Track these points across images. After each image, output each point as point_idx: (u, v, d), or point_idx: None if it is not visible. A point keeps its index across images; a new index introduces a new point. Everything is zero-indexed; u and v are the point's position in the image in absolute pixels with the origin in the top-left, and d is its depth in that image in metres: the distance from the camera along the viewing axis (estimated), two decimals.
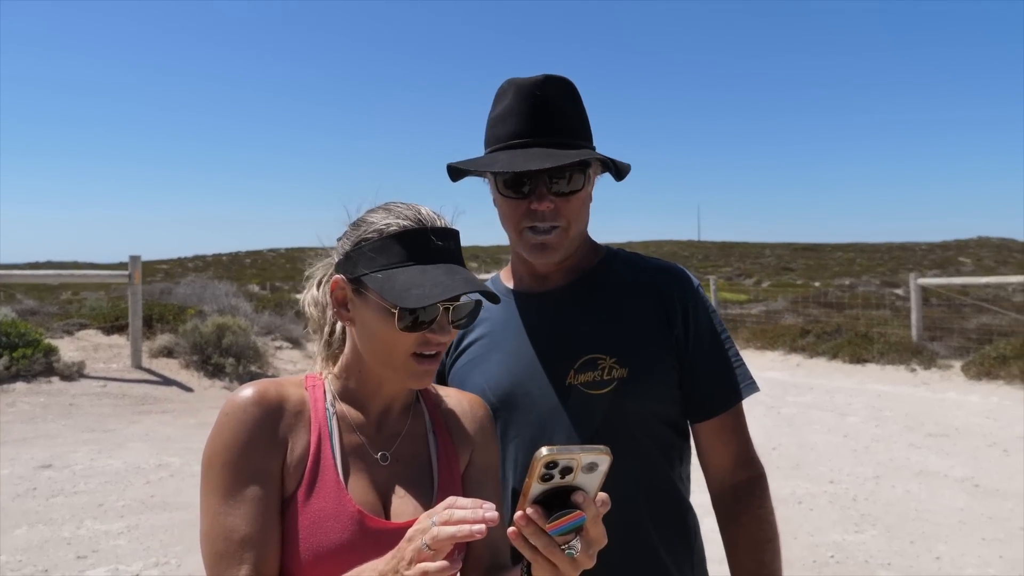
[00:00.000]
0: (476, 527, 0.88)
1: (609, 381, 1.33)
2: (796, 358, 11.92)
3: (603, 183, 1.46)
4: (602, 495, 0.94)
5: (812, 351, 11.88)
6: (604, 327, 1.37)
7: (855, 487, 5.33)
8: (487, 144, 1.39)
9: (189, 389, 8.42)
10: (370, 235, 1.12)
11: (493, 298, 1.15)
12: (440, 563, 0.89)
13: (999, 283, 14.73)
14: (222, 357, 8.93)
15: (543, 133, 1.32)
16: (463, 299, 1.13)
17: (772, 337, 12.95)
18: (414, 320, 1.08)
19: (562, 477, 0.90)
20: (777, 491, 5.16)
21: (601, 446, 0.91)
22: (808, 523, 4.65)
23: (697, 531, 1.45)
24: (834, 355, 11.35)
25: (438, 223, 1.14)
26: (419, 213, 1.13)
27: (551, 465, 0.88)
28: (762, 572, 1.36)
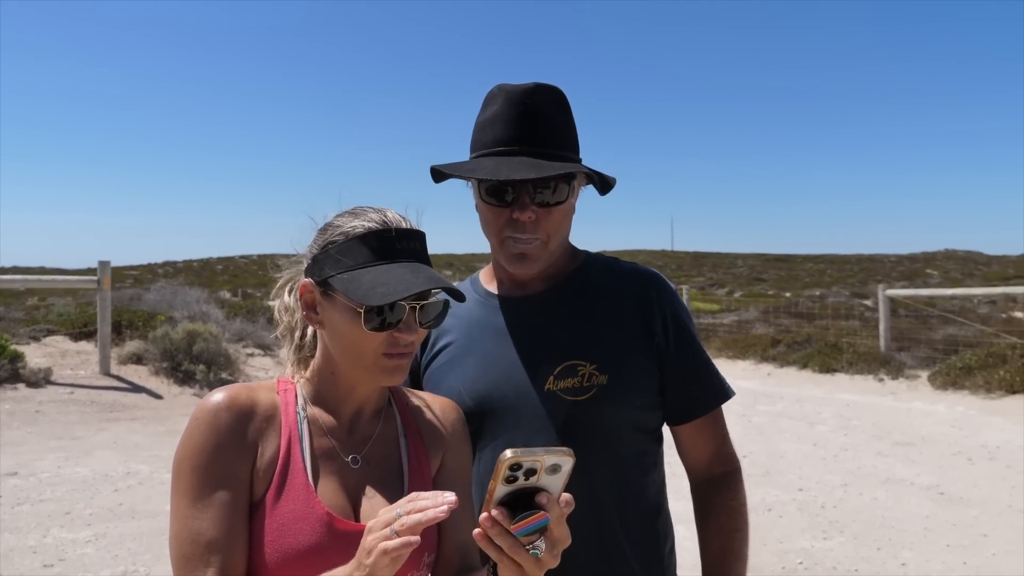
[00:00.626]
0: (440, 508, 0.90)
1: (589, 388, 1.33)
2: (767, 367, 12.09)
3: (582, 193, 1.46)
4: (565, 496, 0.95)
5: (783, 361, 12.05)
6: (584, 333, 1.37)
7: (823, 495, 5.42)
8: (473, 148, 1.37)
9: (158, 396, 8.29)
10: (336, 238, 1.13)
11: (459, 296, 1.16)
12: (399, 540, 0.90)
13: (965, 295, 15.10)
14: (192, 364, 8.81)
15: (530, 142, 1.31)
16: (431, 300, 1.14)
17: (743, 347, 13.11)
18: (382, 321, 1.09)
19: (526, 479, 0.91)
20: (747, 498, 5.25)
21: (564, 448, 0.92)
22: (777, 530, 4.72)
23: (668, 536, 1.47)
24: (804, 365, 11.53)
25: (403, 225, 1.15)
26: (385, 216, 1.15)
27: (515, 467, 0.89)
28: (727, 557, 1.40)
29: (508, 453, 0.88)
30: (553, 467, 0.91)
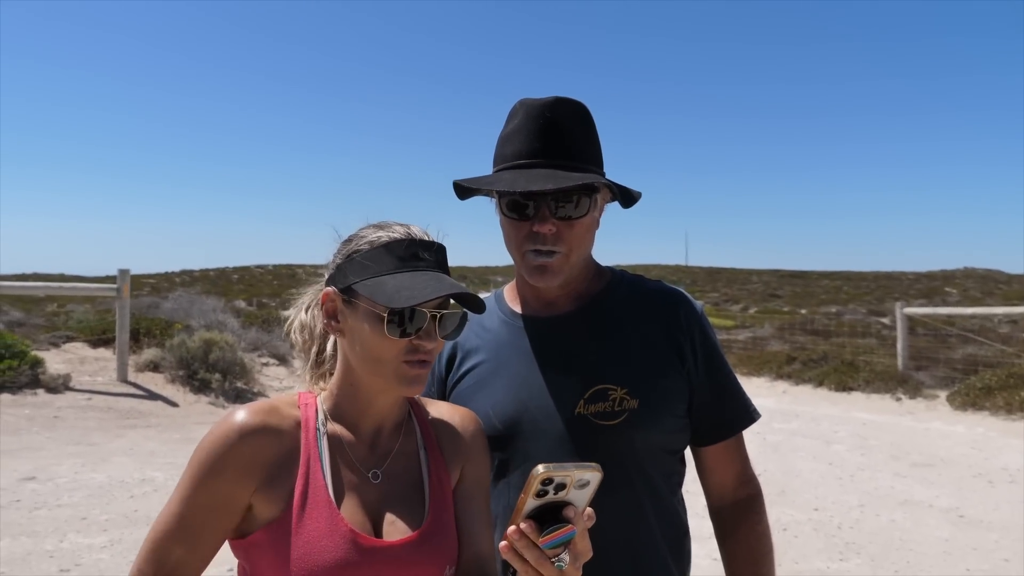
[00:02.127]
0: None
1: (620, 412, 1.32)
2: (782, 385, 11.96)
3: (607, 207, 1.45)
4: (589, 510, 0.97)
5: (798, 378, 11.92)
6: (614, 357, 1.36)
7: (840, 515, 5.35)
8: (495, 163, 1.37)
9: (174, 404, 8.35)
10: (362, 247, 1.16)
11: (480, 307, 1.17)
12: None
13: (985, 314, 14.89)
14: (208, 372, 8.87)
15: (550, 154, 1.30)
16: (450, 311, 1.16)
17: (758, 364, 12.99)
18: (403, 329, 1.11)
19: (555, 493, 0.93)
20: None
21: (593, 463, 0.94)
22: (792, 550, 4.66)
23: (690, 555, 1.47)
24: (820, 383, 11.40)
25: (426, 237, 1.19)
26: (409, 228, 1.18)
27: (547, 482, 0.92)
28: None
29: (540, 468, 0.91)
30: (582, 482, 0.94)
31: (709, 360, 1.41)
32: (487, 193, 1.40)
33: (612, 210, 1.46)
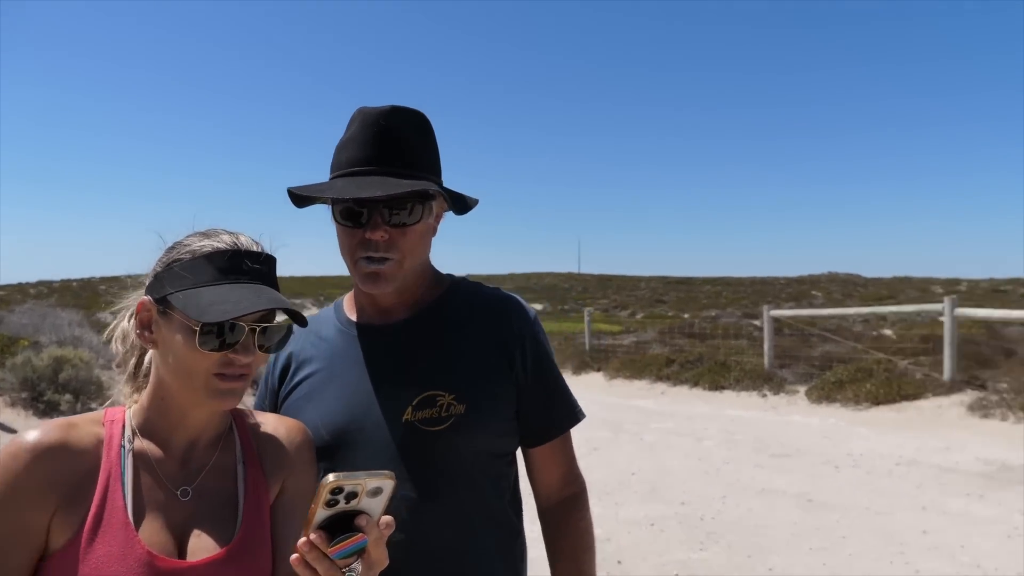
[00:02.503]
0: None
1: (447, 418, 1.34)
2: (661, 386, 12.45)
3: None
4: (386, 518, 0.97)
5: (676, 379, 12.44)
6: (443, 363, 1.38)
7: (703, 507, 5.58)
8: (331, 170, 1.37)
9: (12, 431, 7.63)
10: (183, 256, 1.11)
11: (301, 321, 1.14)
12: None
13: (841, 314, 16.14)
14: (57, 393, 8.17)
15: (383, 162, 1.31)
16: (274, 324, 1.13)
17: (640, 367, 13.46)
18: (221, 341, 1.06)
19: (347, 502, 0.92)
20: (632, 515, 5.37)
21: (386, 471, 0.94)
22: (658, 544, 4.81)
23: (524, 556, 1.49)
24: (695, 383, 11.95)
25: (254, 248, 1.14)
26: (237, 238, 1.14)
27: (336, 491, 0.91)
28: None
29: (331, 477, 0.90)
30: (374, 490, 0.93)
31: (538, 364, 1.44)
32: (324, 201, 1.39)
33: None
